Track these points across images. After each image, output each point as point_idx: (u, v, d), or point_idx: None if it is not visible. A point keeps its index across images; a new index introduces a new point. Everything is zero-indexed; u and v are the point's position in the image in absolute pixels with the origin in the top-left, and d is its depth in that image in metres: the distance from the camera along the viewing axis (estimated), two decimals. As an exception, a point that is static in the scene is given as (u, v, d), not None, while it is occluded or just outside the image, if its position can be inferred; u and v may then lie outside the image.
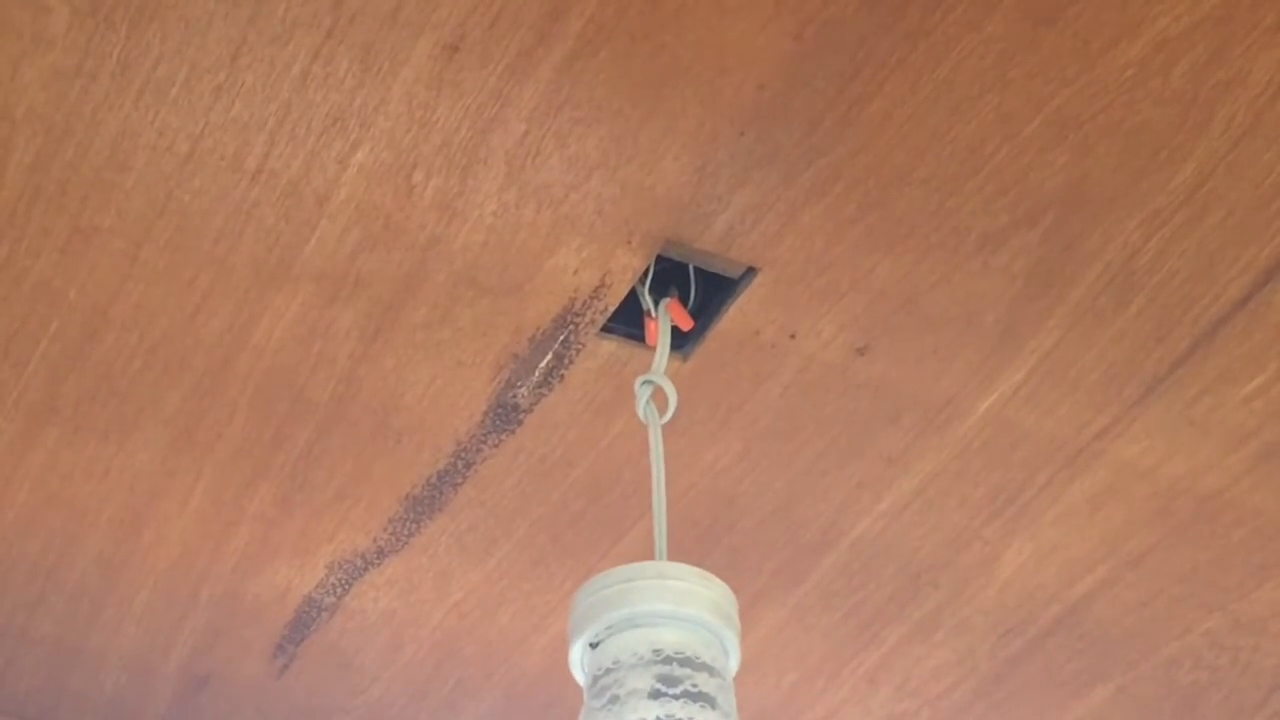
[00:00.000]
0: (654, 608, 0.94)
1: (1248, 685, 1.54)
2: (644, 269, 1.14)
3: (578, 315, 1.17)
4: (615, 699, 0.91)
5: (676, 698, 0.90)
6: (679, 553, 1.33)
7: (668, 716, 0.90)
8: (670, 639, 0.94)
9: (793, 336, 1.19)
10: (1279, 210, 1.10)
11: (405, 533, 1.37)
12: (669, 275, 1.15)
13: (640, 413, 1.09)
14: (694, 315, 1.16)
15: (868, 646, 1.49)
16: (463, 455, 1.29)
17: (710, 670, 0.93)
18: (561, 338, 1.19)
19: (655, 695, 0.90)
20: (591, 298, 1.16)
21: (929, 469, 1.31)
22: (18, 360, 1.20)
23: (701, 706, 0.90)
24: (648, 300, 1.15)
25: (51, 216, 1.09)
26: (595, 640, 0.95)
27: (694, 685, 0.91)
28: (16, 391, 1.23)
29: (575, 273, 1.14)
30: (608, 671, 0.93)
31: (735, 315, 1.17)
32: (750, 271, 1.14)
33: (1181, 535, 1.37)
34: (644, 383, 1.09)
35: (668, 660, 0.92)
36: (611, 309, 1.17)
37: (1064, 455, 1.29)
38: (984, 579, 1.42)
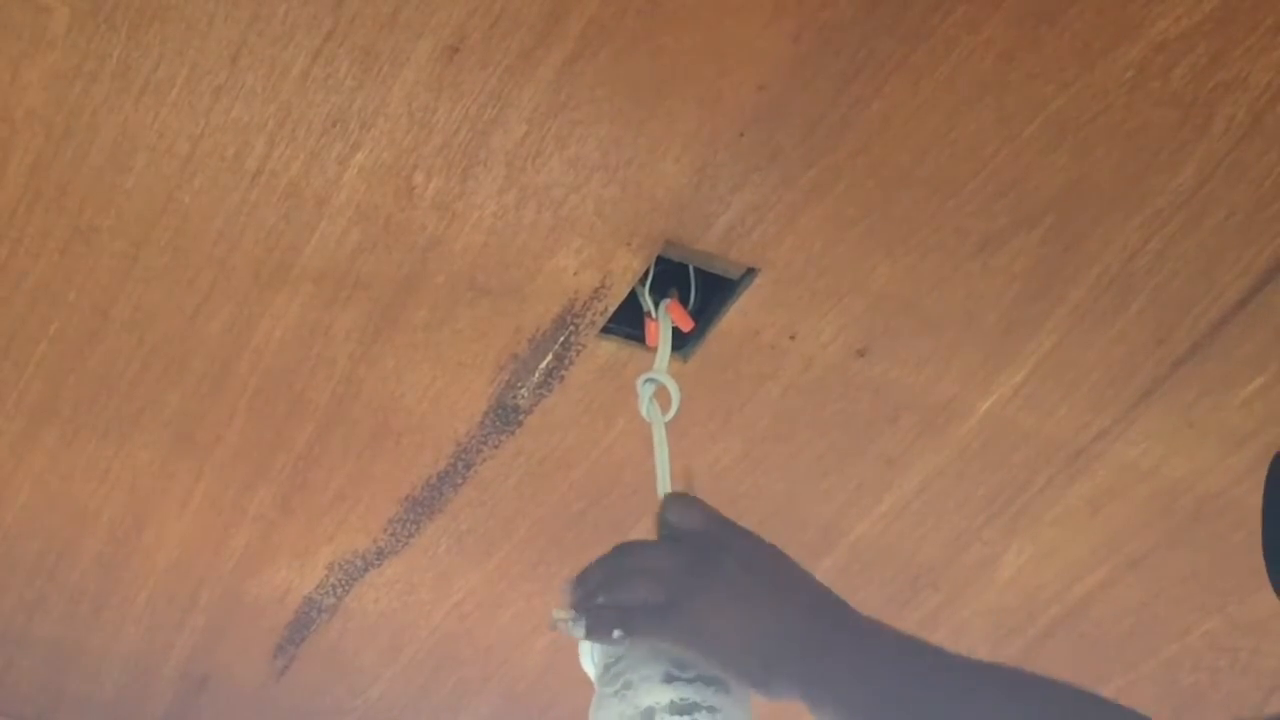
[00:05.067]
0: None
1: (1247, 687, 1.54)
2: (644, 270, 1.14)
3: (578, 316, 1.17)
4: (629, 684, 0.91)
5: (690, 682, 0.90)
6: (679, 554, 1.33)
7: (681, 699, 0.90)
8: None
9: (793, 338, 1.19)
10: (1278, 212, 1.10)
11: (405, 534, 1.37)
12: (669, 276, 1.15)
13: (643, 411, 1.09)
14: (694, 316, 1.16)
15: (867, 647, 1.49)
16: (463, 456, 1.29)
17: None
18: (561, 339, 1.19)
19: (669, 679, 0.91)
20: (591, 299, 1.15)
21: (929, 470, 1.31)
22: (18, 361, 1.20)
23: (715, 690, 0.90)
24: (648, 301, 1.15)
25: (51, 218, 1.09)
26: None
27: (707, 670, 0.91)
28: (17, 392, 1.23)
29: (575, 274, 1.14)
30: (620, 659, 0.93)
31: (735, 316, 1.17)
32: (750, 272, 1.14)
33: (1181, 537, 1.36)
34: (646, 381, 1.09)
35: None
36: (611, 310, 1.16)
37: (1064, 456, 1.29)
38: (984, 580, 1.42)
